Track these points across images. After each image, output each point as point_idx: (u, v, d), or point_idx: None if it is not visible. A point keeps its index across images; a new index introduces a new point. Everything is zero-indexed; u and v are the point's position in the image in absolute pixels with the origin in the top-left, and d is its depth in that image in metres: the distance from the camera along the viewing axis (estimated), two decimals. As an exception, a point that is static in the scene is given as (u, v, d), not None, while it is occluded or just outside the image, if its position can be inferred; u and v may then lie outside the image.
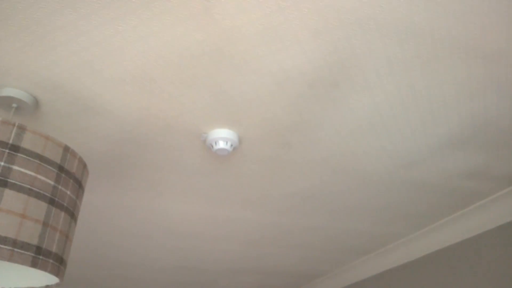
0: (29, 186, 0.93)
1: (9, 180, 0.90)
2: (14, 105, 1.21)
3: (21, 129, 0.96)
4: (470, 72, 1.15)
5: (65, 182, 1.02)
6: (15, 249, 0.86)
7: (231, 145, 1.38)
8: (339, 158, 1.54)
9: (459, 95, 1.24)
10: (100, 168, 1.56)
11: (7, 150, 0.92)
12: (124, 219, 2.01)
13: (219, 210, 1.93)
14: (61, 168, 1.02)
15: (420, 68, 1.13)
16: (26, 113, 1.25)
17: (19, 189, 0.91)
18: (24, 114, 1.25)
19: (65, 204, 1.01)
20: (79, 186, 1.09)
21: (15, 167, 0.92)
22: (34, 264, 0.89)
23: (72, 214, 1.05)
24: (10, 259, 0.85)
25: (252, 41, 1.03)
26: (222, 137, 1.35)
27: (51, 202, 0.97)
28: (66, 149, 1.04)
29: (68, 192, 1.03)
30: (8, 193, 0.89)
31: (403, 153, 1.52)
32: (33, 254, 0.89)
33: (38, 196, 0.94)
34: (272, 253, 2.55)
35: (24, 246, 0.88)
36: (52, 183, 0.98)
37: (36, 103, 1.24)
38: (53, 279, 1.07)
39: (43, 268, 0.91)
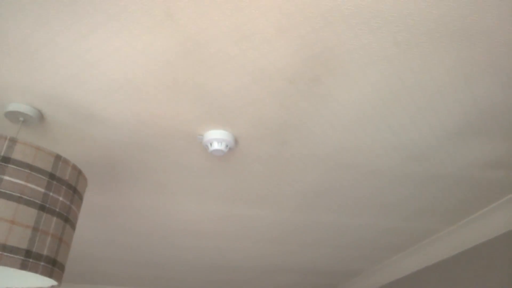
0: (19, 194, 1.00)
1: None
2: (21, 118, 1.31)
3: (13, 141, 1.04)
4: (459, 56, 1.09)
5: (56, 188, 1.09)
6: (4, 253, 0.94)
7: (226, 146, 1.40)
8: (342, 153, 1.51)
9: (453, 81, 1.17)
10: (111, 173, 1.65)
11: (-2, 162, 1.00)
12: (142, 221, 2.10)
13: (233, 209, 1.96)
14: (52, 176, 1.09)
15: (402, 56, 1.08)
16: (33, 126, 1.34)
17: (9, 197, 0.99)
18: (31, 127, 1.35)
19: (57, 210, 1.08)
20: (74, 191, 1.16)
21: (6, 177, 1.00)
22: (23, 267, 0.96)
23: (66, 218, 1.12)
24: (-1, 262, 0.93)
25: (220, 42, 1.04)
26: (216, 138, 1.38)
27: (42, 208, 1.04)
28: (58, 157, 1.12)
29: (61, 198, 1.10)
30: (-3, 201, 0.97)
31: (408, 144, 1.46)
32: (22, 257, 0.97)
33: (28, 203, 1.01)
34: (299, 252, 2.54)
35: (13, 250, 0.96)
36: (42, 190, 1.05)
37: (41, 116, 1.33)
38: (52, 281, 1.14)
39: (34, 270, 0.99)
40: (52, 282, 1.16)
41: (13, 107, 1.28)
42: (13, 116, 1.30)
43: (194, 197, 1.84)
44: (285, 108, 1.28)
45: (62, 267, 1.10)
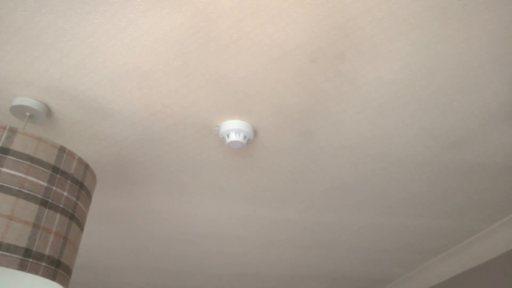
0: (18, 188, 0.92)
1: (-5, 182, 0.90)
2: (27, 113, 1.24)
3: (12, 131, 0.97)
4: (506, 22, 0.95)
5: (60, 183, 1.01)
6: (0, 252, 0.85)
7: (245, 137, 1.29)
8: (372, 142, 1.38)
9: (499, 53, 1.04)
10: (125, 173, 1.56)
11: (-5, 153, 0.93)
12: (158, 225, 2.00)
13: (255, 210, 1.85)
14: (55, 169, 1.00)
15: (437, 23, 0.96)
16: (40, 122, 1.27)
17: (6, 190, 0.90)
18: (38, 123, 1.27)
19: (61, 206, 0.99)
20: (81, 187, 1.07)
21: (4, 169, 0.92)
22: (22, 267, 0.88)
23: (72, 216, 1.03)
24: (-6, 261, 0.84)
25: (233, 16, 0.94)
26: (233, 129, 1.27)
27: (43, 203, 0.95)
28: (62, 149, 1.03)
29: (65, 193, 1.01)
30: (-6, 195, 0.88)
31: (446, 129, 1.32)
32: (21, 257, 0.88)
33: (28, 197, 0.93)
34: (326, 256, 2.39)
35: (11, 248, 0.87)
36: (44, 184, 0.97)
37: (48, 111, 1.26)
38: (57, 285, 1.05)
39: (34, 271, 0.90)
40: (58, 286, 1.07)
41: (18, 101, 1.21)
42: (18, 111, 1.23)
43: (213, 197, 1.74)
44: (307, 92, 1.16)
45: (68, 270, 1.01)
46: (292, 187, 1.66)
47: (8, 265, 0.85)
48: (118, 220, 1.96)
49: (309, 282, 2.92)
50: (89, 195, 1.13)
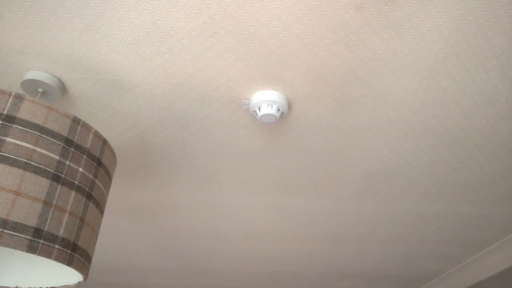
0: (25, 160, 0.80)
1: (0, 153, 0.78)
2: (40, 90, 1.13)
3: (19, 98, 0.85)
4: None
5: (75, 157, 0.88)
6: (5, 231, 0.73)
7: (278, 109, 1.15)
8: (421, 113, 1.22)
9: None
10: (148, 160, 1.44)
11: (0, 121, 0.81)
12: (187, 220, 1.86)
13: (289, 200, 1.70)
14: (69, 142, 0.88)
15: (511, -50, 0.80)
16: (54, 99, 1.16)
17: (12, 162, 0.79)
18: (51, 100, 1.17)
19: (76, 182, 0.87)
20: (98, 163, 0.95)
21: (9, 139, 0.80)
22: (31, 249, 0.75)
23: (89, 195, 0.90)
24: (-1, 241, 0.72)
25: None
26: (265, 100, 1.14)
27: (56, 178, 0.83)
28: (76, 120, 0.91)
29: (80, 169, 0.89)
30: (-2, 167, 0.77)
31: (508, 94, 1.15)
32: (30, 237, 0.76)
33: (38, 171, 0.81)
34: (367, 252, 2.22)
35: (18, 227, 0.75)
36: (56, 157, 0.85)
37: (62, 86, 1.15)
38: (76, 273, 0.93)
39: (46, 254, 0.77)
40: (78, 276, 0.95)
41: (30, 75, 1.10)
42: (30, 87, 1.12)
43: (242, 186, 1.60)
44: (349, 50, 1.02)
45: (86, 256, 0.88)
46: (329, 172, 1.51)
47: (15, 246, 0.73)
48: (140, 215, 1.84)
49: (345, 280, 2.74)
50: (108, 175, 1.01)
